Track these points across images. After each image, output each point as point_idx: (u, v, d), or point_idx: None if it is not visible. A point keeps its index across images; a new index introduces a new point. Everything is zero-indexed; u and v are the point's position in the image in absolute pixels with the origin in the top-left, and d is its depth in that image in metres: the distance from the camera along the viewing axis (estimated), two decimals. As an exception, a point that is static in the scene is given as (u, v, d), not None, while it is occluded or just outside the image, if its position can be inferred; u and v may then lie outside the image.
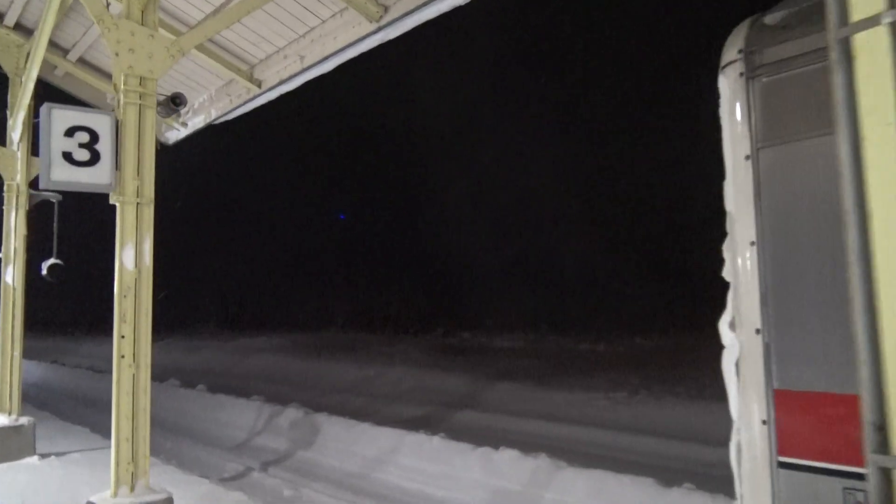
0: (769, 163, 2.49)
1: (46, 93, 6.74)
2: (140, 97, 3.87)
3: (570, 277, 21.67)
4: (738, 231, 2.55)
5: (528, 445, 6.79)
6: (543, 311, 19.55)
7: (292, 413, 9.39)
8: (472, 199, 25.49)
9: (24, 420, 6.59)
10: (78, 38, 6.61)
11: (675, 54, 22.63)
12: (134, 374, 3.78)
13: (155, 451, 7.83)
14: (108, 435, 8.70)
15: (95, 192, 3.71)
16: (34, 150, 6.58)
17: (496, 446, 6.70)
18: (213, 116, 6.75)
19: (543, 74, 25.32)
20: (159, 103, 3.96)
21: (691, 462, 6.77)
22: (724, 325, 2.57)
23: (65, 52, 6.87)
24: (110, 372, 12.00)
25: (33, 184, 6.53)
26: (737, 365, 2.51)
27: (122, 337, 3.78)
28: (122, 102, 3.81)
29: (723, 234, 2.61)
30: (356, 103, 26.52)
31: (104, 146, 3.67)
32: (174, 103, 4.02)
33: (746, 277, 2.51)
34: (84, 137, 3.62)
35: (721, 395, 8.05)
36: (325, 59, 5.31)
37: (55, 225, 6.51)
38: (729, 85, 2.57)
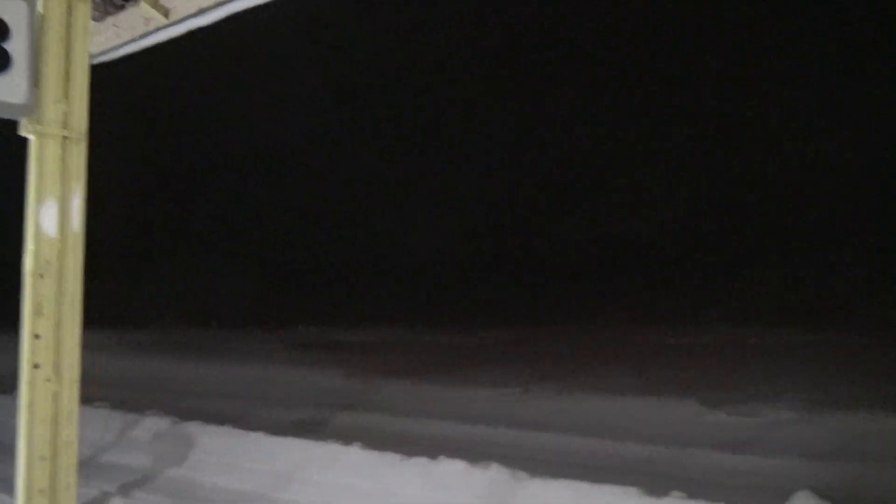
0: None
1: None
2: (68, -17, 2.62)
3: (416, 271, 21.18)
4: None
5: (462, 452, 6.00)
6: (393, 305, 18.92)
7: (153, 423, 7.93)
8: (321, 192, 24.18)
9: None
10: None
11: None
12: (55, 393, 2.55)
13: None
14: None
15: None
16: None
17: (432, 455, 5.86)
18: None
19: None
20: (96, -4, 2.73)
21: (644, 463, 6.37)
22: None
23: None
24: None
25: None
26: None
27: (37, 337, 2.53)
28: (41, -13, 2.54)
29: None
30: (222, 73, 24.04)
31: (18, 46, 2.40)
32: (120, -3, 2.79)
33: None
34: (-14, 29, 2.33)
35: (618, 388, 7.78)
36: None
37: None
38: None
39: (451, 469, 5.66)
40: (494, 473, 5.48)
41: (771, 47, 18.63)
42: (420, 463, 5.82)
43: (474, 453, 6.02)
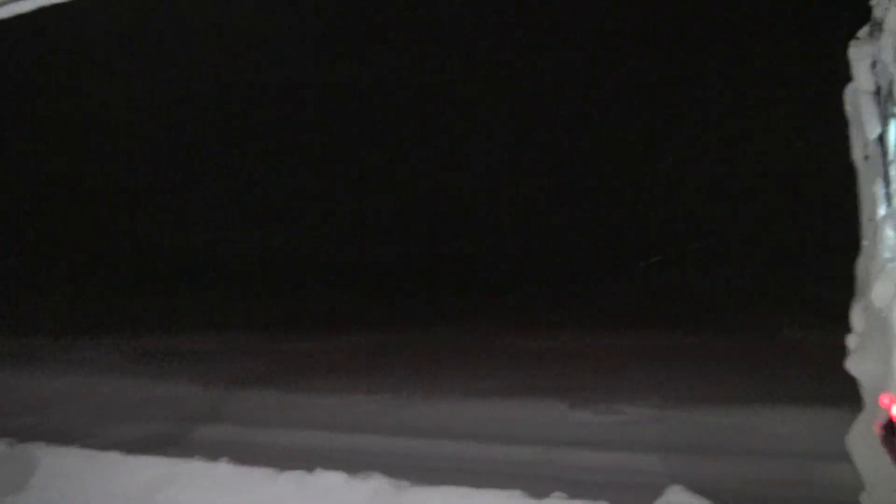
0: None
1: None
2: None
3: (268, 273, 20.44)
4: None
5: (340, 463, 5.77)
6: (245, 309, 18.13)
7: (-14, 446, 7.04)
8: (160, 189, 22.72)
9: None
10: None
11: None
12: None
13: None
14: None
15: None
16: None
17: (309, 468, 5.60)
18: None
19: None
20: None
21: (519, 465, 6.43)
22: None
23: None
24: None
25: None
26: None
27: None
28: None
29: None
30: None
31: None
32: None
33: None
34: None
35: (484, 392, 7.90)
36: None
37: None
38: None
39: (331, 482, 5.43)
40: (376, 483, 5.31)
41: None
42: (296, 477, 5.53)
43: (353, 463, 5.82)
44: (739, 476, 5.95)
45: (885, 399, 2.39)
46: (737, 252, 16.08)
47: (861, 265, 3.90)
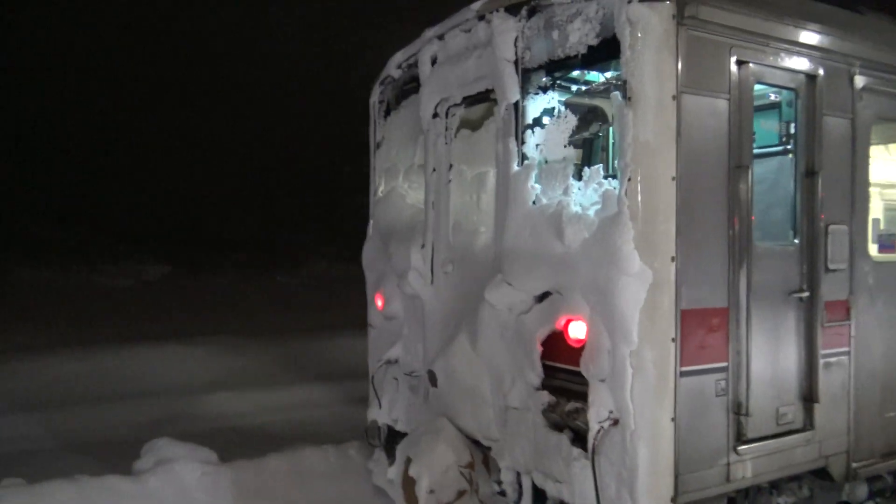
0: (690, 107, 2.66)
1: None
2: None
3: None
4: (660, 165, 2.59)
5: None
6: None
7: None
8: None
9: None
10: None
11: None
12: None
13: None
14: None
15: None
16: None
17: None
18: None
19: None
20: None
21: None
22: (632, 252, 2.55)
23: None
24: None
25: None
26: (650, 291, 2.58)
27: None
28: None
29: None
30: None
31: None
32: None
33: (665, 210, 2.60)
34: None
35: None
36: None
37: None
38: (660, 23, 2.58)
39: None
40: None
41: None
42: None
43: None
44: (111, 424, 5.54)
45: (562, 321, 2.86)
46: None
47: (379, 210, 4.30)
